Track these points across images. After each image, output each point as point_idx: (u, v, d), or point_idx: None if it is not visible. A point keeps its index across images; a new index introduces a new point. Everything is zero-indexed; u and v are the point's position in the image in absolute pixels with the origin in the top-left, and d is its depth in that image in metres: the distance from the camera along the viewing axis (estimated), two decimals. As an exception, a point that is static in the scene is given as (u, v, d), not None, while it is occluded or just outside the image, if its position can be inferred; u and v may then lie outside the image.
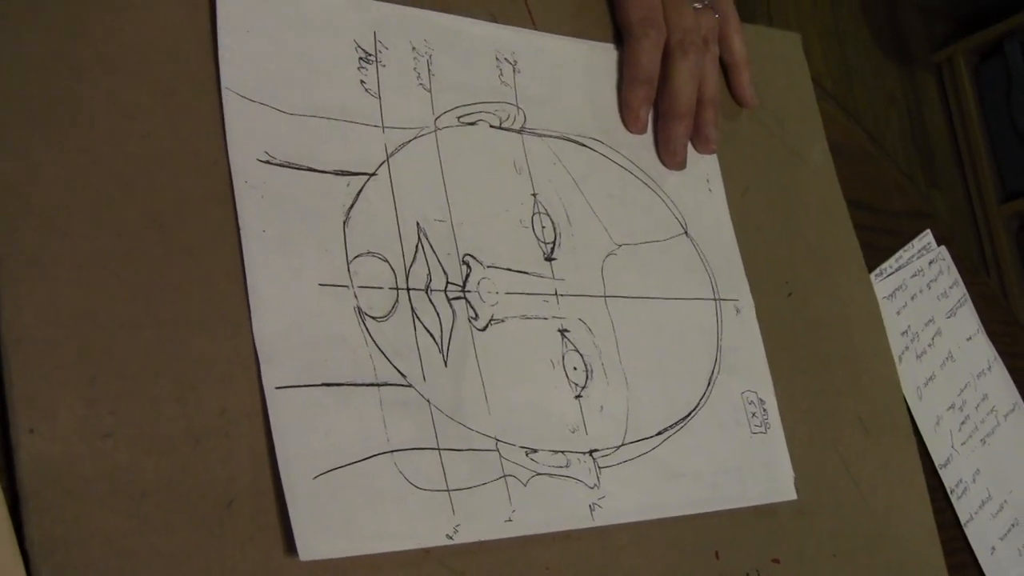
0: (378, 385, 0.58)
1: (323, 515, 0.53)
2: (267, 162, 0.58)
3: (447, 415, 0.60)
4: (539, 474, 0.62)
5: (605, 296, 0.69)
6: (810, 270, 0.83)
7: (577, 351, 0.66)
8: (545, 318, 0.66)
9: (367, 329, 0.58)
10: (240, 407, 0.53)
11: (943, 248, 0.98)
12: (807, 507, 0.75)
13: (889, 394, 0.86)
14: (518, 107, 0.70)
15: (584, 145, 0.73)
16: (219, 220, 0.55)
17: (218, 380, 0.53)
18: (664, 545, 0.66)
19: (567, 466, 0.63)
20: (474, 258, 0.64)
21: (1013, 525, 0.93)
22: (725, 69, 0.83)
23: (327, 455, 0.55)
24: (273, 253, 0.56)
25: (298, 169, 0.59)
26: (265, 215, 0.57)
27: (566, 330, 0.67)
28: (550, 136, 0.71)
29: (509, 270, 0.65)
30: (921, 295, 0.94)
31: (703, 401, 0.71)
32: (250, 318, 0.54)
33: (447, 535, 0.57)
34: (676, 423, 0.69)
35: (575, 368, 0.66)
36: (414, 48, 0.66)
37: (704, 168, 0.79)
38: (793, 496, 0.74)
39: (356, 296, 0.59)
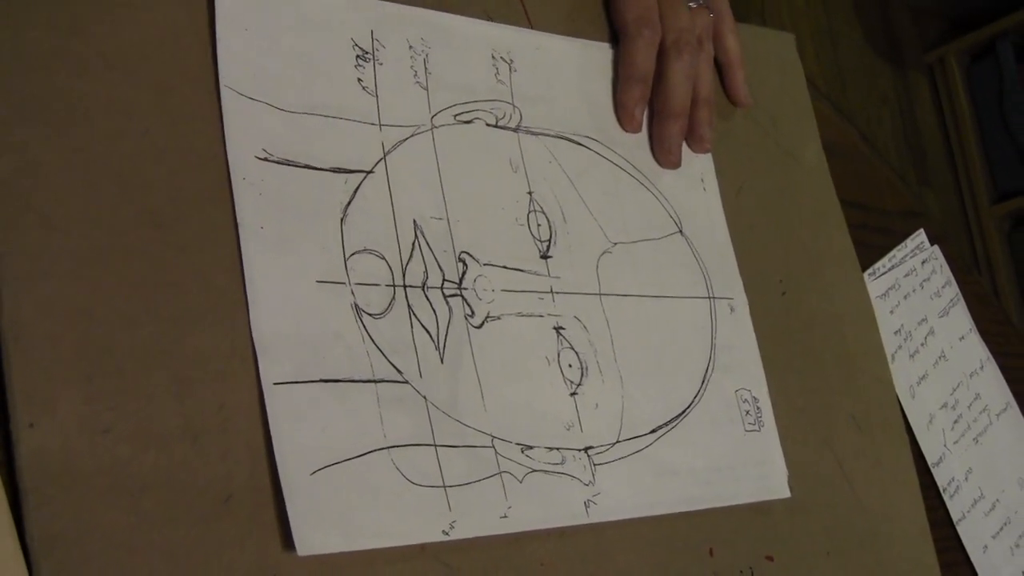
0: (375, 382, 0.58)
1: (320, 511, 0.54)
2: (265, 159, 0.58)
3: (443, 412, 0.60)
4: (534, 471, 0.62)
5: (600, 294, 0.70)
6: (804, 269, 0.84)
7: (572, 349, 0.67)
8: (540, 316, 0.66)
9: (364, 326, 0.59)
10: (238, 403, 0.53)
11: (936, 247, 0.99)
12: (800, 505, 0.75)
13: (882, 393, 0.86)
14: (514, 106, 0.70)
15: (580, 144, 0.73)
16: (217, 217, 0.56)
17: (216, 376, 0.53)
18: (658, 542, 0.67)
19: (562, 463, 0.64)
20: (470, 256, 0.65)
21: (1005, 524, 0.94)
22: (720, 69, 0.84)
23: (324, 451, 0.55)
24: (271, 250, 0.57)
25: (296, 166, 0.59)
26: (263, 212, 0.57)
27: (561, 328, 0.67)
28: (546, 135, 0.71)
29: (505, 268, 0.66)
30: (914, 294, 0.94)
31: (697, 399, 0.72)
32: (248, 314, 0.55)
33: (443, 531, 0.57)
34: (670, 421, 0.70)
35: (570, 366, 0.66)
36: (411, 47, 0.66)
37: (699, 167, 0.79)
38: (787, 494, 0.74)
39: (353, 293, 0.59)
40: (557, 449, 0.64)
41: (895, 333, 0.91)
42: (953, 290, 0.99)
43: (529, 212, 0.68)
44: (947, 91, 2.93)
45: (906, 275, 0.94)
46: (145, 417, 0.51)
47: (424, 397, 0.59)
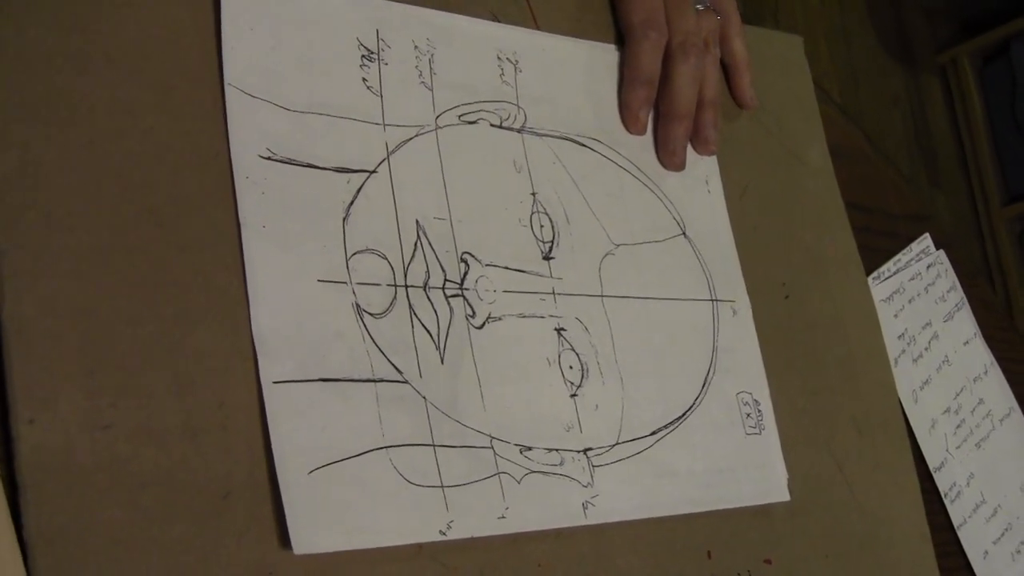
0: (375, 381, 0.58)
1: (318, 509, 0.54)
2: (268, 158, 0.58)
3: (443, 412, 0.60)
4: (533, 472, 0.62)
5: (602, 296, 0.70)
6: (807, 272, 0.84)
7: (573, 350, 0.67)
8: (542, 317, 0.66)
9: (365, 325, 0.59)
10: (238, 401, 0.54)
11: (941, 252, 0.99)
12: (800, 508, 0.75)
13: (884, 396, 0.86)
14: (519, 106, 0.70)
15: (584, 145, 0.73)
16: (219, 216, 0.56)
17: (216, 374, 0.53)
18: (656, 544, 0.67)
19: (561, 464, 0.64)
20: (472, 256, 0.65)
21: (1006, 529, 0.94)
22: (726, 71, 0.84)
23: (323, 450, 0.55)
24: (273, 249, 0.57)
25: (299, 166, 0.59)
26: (265, 211, 0.57)
27: (563, 329, 0.67)
28: (550, 136, 0.71)
29: (507, 268, 0.66)
30: (919, 298, 0.94)
31: (698, 401, 0.72)
32: (249, 313, 0.55)
33: (440, 531, 0.58)
34: (671, 423, 0.70)
35: (571, 367, 0.67)
36: (416, 47, 0.67)
37: (703, 169, 0.79)
38: (786, 497, 0.74)
39: (355, 293, 0.59)
40: (556, 450, 0.64)
41: (898, 337, 0.91)
42: (958, 295, 0.99)
43: (532, 213, 0.68)
44: (959, 92, 2.93)
45: (911, 279, 0.94)
46: (145, 414, 0.51)
47: (424, 397, 0.60)
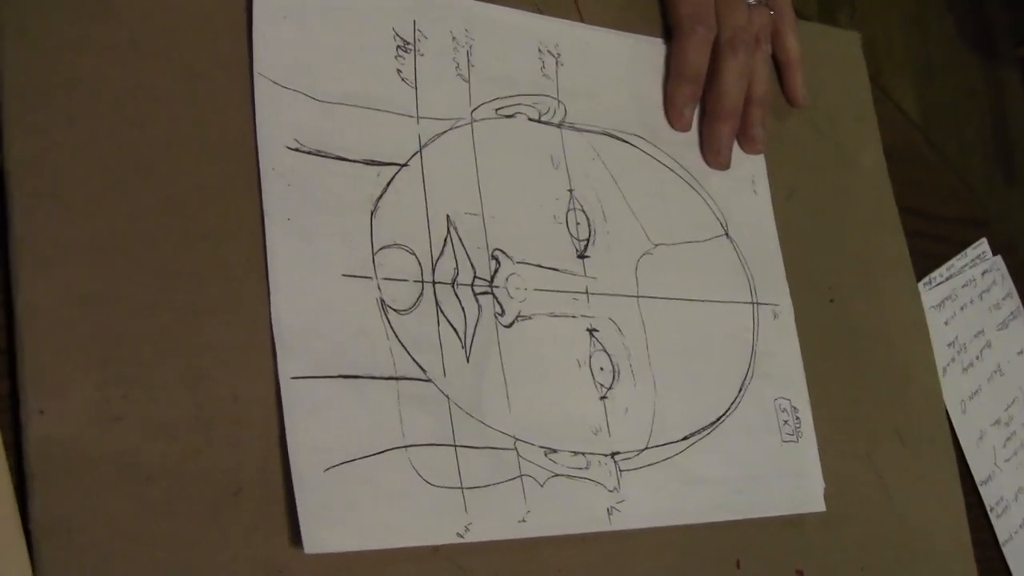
0: (396, 379, 0.57)
1: (331, 508, 0.53)
2: (296, 149, 0.57)
3: (466, 412, 0.59)
4: (557, 475, 0.61)
5: (638, 296, 0.68)
6: (855, 276, 0.82)
7: (605, 351, 0.66)
8: (574, 316, 0.65)
9: (389, 322, 0.58)
10: (252, 395, 0.53)
11: (998, 258, 0.96)
12: (836, 518, 0.73)
13: (930, 406, 0.84)
14: (559, 100, 0.69)
15: (625, 141, 0.71)
16: (242, 207, 0.55)
17: (231, 367, 0.53)
18: (683, 551, 0.66)
19: (587, 468, 0.63)
20: (504, 253, 0.64)
21: (1055, 546, 0.91)
22: (778, 68, 0.82)
23: (340, 448, 0.54)
24: (297, 241, 0.56)
25: (328, 158, 0.58)
26: (291, 203, 0.57)
27: (595, 329, 0.66)
28: (590, 131, 0.70)
29: (539, 266, 0.65)
30: (971, 306, 0.92)
31: (733, 406, 0.70)
32: (268, 306, 0.54)
33: (457, 533, 0.57)
34: (704, 428, 0.68)
35: (602, 368, 0.65)
36: (454, 38, 0.65)
37: (750, 168, 0.77)
38: (821, 508, 0.72)
39: (380, 288, 0.58)
40: (582, 453, 0.63)
41: (948, 345, 0.88)
42: (1014, 302, 0.96)
43: (568, 210, 0.67)
44: (1040, 86, 2.86)
45: (964, 285, 0.92)
46: (157, 406, 0.50)
47: (447, 396, 0.59)
